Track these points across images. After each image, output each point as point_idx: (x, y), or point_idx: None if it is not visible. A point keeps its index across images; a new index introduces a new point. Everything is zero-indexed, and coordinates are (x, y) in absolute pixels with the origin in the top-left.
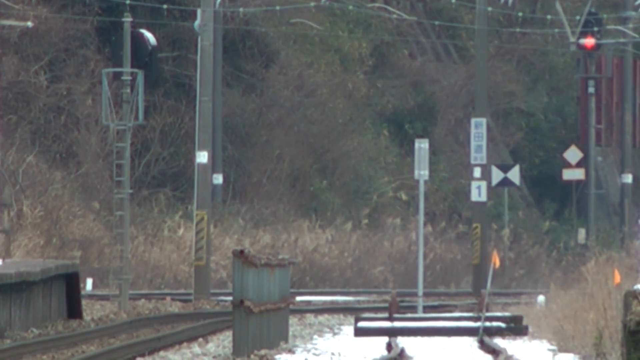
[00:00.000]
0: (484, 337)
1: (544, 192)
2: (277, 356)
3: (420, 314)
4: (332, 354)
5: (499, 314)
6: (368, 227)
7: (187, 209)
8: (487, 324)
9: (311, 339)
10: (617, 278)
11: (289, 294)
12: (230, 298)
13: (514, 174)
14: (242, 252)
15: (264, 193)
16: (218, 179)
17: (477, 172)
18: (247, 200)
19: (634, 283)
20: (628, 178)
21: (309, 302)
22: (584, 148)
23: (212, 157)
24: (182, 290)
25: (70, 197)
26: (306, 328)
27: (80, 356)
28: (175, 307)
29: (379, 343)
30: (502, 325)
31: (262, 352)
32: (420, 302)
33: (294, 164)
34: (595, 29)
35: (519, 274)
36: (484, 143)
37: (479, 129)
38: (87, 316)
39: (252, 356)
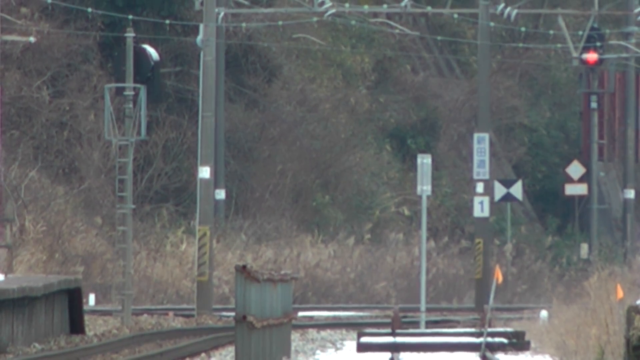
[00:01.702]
0: (486, 352)
1: (547, 207)
2: None
3: (423, 330)
4: None
5: (501, 329)
6: (370, 243)
7: (189, 224)
8: (490, 339)
9: (313, 354)
10: (620, 293)
11: (291, 309)
12: (232, 313)
13: (517, 189)
14: (244, 267)
15: (267, 208)
16: (220, 194)
17: (479, 187)
18: (249, 216)
19: (637, 298)
20: (630, 193)
21: (311, 318)
22: (586, 163)
23: (215, 173)
24: (184, 306)
25: (72, 213)
26: (308, 343)
27: None
28: (178, 323)
29: (382, 358)
30: (505, 340)
31: None
32: (423, 317)
33: (296, 179)
34: (598, 44)
35: (522, 289)
36: (486, 158)
37: (481, 144)
38: (89, 331)
39: None
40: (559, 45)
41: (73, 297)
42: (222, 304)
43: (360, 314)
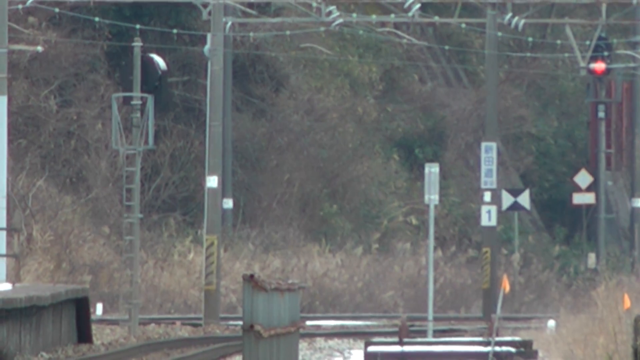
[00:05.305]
0: None
1: (554, 217)
2: None
3: (431, 339)
4: None
5: (509, 338)
6: (378, 252)
7: (197, 233)
8: (497, 348)
9: None
10: (627, 302)
11: (299, 319)
12: (240, 322)
13: (524, 199)
14: (252, 276)
15: (274, 217)
16: (228, 203)
17: (487, 196)
18: (257, 225)
19: None
20: (638, 202)
21: (318, 327)
22: (594, 172)
23: (222, 182)
24: (192, 315)
25: (80, 222)
26: (316, 352)
27: None
28: (185, 332)
29: None
30: (512, 349)
31: None
32: (431, 326)
33: (303, 189)
34: (605, 53)
35: (529, 298)
36: (494, 167)
37: (489, 153)
38: (97, 341)
39: None
40: (566, 54)
41: (80, 307)
42: (230, 313)
43: (368, 323)
